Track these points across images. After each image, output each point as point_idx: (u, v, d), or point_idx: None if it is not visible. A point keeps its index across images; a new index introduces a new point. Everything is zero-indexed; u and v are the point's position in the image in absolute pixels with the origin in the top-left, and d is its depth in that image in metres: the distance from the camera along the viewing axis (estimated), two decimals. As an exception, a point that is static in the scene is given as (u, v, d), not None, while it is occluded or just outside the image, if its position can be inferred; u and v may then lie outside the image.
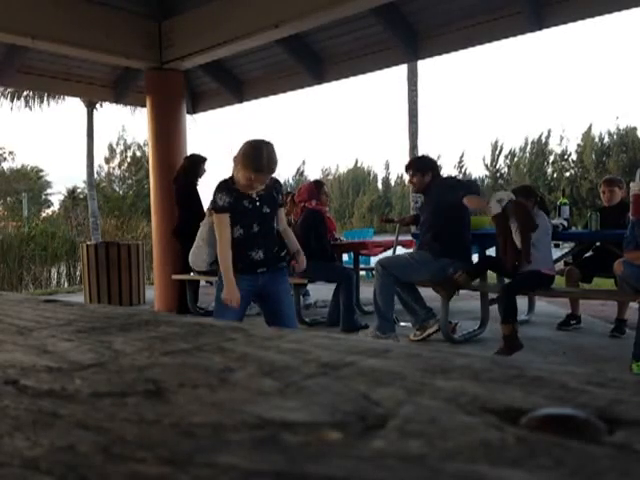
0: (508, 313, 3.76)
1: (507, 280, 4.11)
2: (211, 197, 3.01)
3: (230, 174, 2.99)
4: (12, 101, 15.92)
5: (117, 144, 39.33)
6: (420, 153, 12.75)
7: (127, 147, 39.24)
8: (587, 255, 4.74)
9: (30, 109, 15.82)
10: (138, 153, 38.01)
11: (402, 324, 4.77)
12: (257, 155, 2.79)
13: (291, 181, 55.33)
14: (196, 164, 5.73)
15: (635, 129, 39.14)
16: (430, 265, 4.16)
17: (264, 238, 2.93)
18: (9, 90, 15.32)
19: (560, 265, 5.00)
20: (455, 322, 4.54)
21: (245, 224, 2.91)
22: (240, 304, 2.96)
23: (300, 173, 57.34)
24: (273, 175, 2.97)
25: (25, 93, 15.62)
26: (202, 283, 6.10)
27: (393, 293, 4.23)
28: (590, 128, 42.14)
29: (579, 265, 4.61)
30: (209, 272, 5.11)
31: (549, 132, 50.27)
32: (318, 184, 5.29)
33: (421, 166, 4.36)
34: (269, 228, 2.96)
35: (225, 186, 2.96)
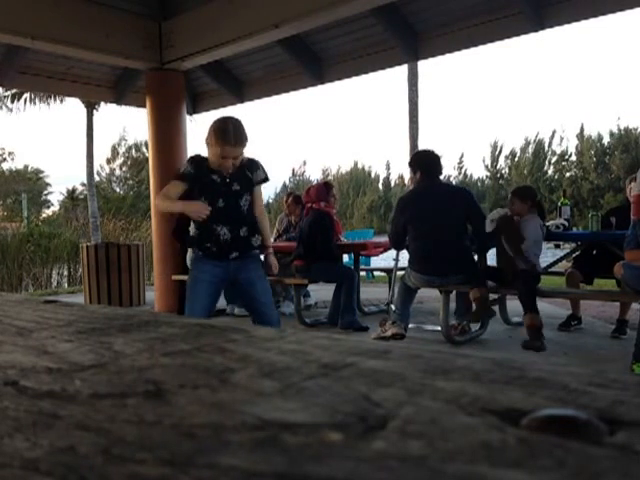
0: (532, 305, 3.94)
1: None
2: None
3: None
4: (12, 102, 15.93)
5: (119, 144, 39.39)
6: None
7: (129, 148, 39.31)
8: (588, 256, 4.73)
9: (33, 104, 15.79)
10: (139, 154, 38.01)
11: (410, 325, 4.79)
12: (223, 128, 2.85)
13: (288, 182, 55.35)
14: None
15: (637, 129, 39.16)
16: None
17: (229, 215, 2.93)
18: (9, 92, 15.32)
19: (562, 265, 5.00)
20: (465, 322, 4.57)
21: (211, 198, 2.92)
22: (210, 291, 2.99)
23: (301, 174, 57.29)
24: (250, 156, 3.00)
25: (25, 95, 15.63)
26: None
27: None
28: (582, 128, 42.15)
29: (580, 266, 4.60)
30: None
31: (553, 133, 50.20)
32: (328, 186, 5.27)
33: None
34: (236, 206, 2.95)
35: (196, 158, 3.00)
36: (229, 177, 2.93)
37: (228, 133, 2.82)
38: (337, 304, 4.99)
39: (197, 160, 2.98)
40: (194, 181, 2.94)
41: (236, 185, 2.94)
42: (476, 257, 4.38)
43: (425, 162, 4.38)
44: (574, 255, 4.92)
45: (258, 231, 3.04)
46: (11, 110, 15.91)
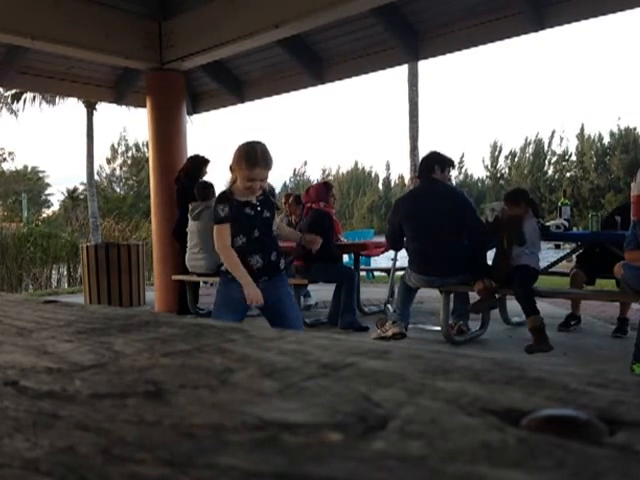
0: (531, 307, 3.99)
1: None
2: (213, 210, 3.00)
3: (228, 185, 2.99)
4: (12, 103, 15.92)
5: (119, 144, 39.43)
6: (421, 154, 12.70)
7: (129, 148, 39.34)
8: (590, 256, 4.73)
9: (37, 104, 15.76)
10: (139, 154, 38.04)
11: (410, 325, 4.79)
12: (250, 151, 2.84)
13: (289, 182, 55.42)
14: (198, 166, 5.73)
15: (637, 129, 39.20)
16: None
17: (263, 243, 2.93)
18: (9, 92, 15.31)
19: (563, 266, 5.00)
20: (461, 322, 4.56)
21: (248, 231, 2.91)
22: (239, 309, 2.97)
23: (301, 174, 57.34)
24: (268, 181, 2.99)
25: (25, 95, 15.62)
26: (202, 284, 6.11)
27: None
28: (583, 128, 42.25)
29: (582, 265, 4.60)
30: (208, 273, 5.12)
31: (553, 133, 50.21)
32: (328, 186, 5.28)
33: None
34: (268, 232, 2.97)
35: (224, 197, 2.96)
36: (259, 205, 2.92)
37: (257, 155, 2.82)
38: (337, 304, 4.99)
39: (225, 198, 2.94)
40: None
41: (266, 212, 2.95)
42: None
43: (423, 162, 4.42)
44: (576, 254, 4.92)
45: (282, 254, 3.08)
46: (12, 111, 15.91)
